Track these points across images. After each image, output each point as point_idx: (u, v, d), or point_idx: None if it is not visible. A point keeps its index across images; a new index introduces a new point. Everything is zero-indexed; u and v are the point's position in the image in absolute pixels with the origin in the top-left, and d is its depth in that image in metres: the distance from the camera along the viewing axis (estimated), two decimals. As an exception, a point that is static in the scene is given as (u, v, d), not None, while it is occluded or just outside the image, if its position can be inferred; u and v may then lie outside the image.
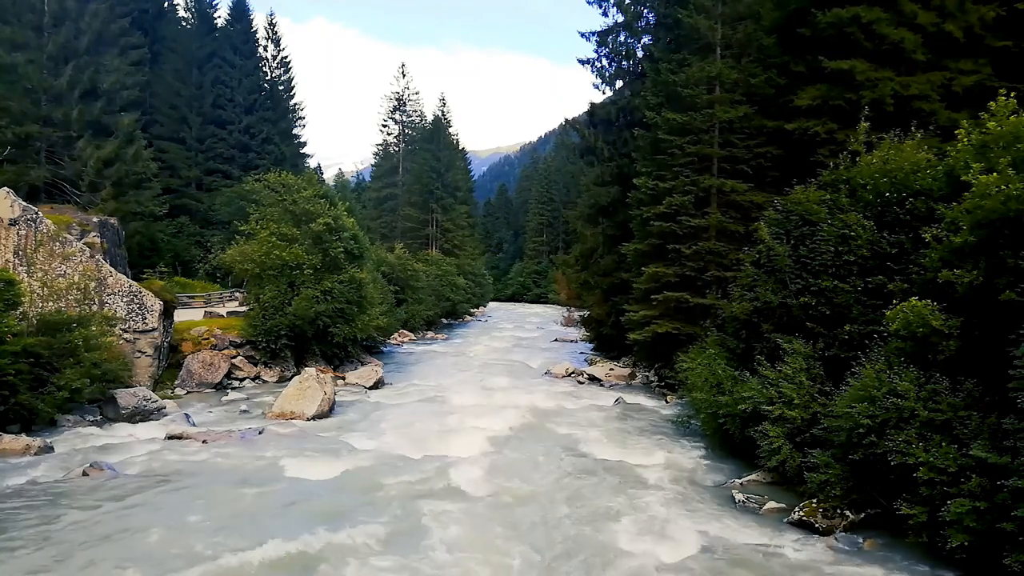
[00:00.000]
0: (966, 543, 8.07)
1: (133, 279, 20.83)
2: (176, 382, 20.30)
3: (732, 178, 20.27)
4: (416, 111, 71.92)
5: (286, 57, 50.92)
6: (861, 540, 9.54)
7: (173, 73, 43.31)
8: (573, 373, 25.87)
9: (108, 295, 18.79)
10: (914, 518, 8.81)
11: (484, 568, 8.57)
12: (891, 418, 9.27)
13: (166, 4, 47.61)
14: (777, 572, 8.65)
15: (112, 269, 19.40)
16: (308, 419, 16.65)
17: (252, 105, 46.11)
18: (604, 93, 30.95)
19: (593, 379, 24.85)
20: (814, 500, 10.28)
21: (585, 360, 29.77)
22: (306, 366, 21.89)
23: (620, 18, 29.13)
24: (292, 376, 20.62)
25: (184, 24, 47.12)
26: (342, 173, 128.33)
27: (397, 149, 71.53)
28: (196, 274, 38.95)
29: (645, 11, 28.60)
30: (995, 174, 9.03)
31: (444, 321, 52.72)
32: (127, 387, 16.92)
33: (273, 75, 50.01)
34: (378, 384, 22.55)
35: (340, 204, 26.75)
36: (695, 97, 20.60)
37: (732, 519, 10.42)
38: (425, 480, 12.00)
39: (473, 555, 8.89)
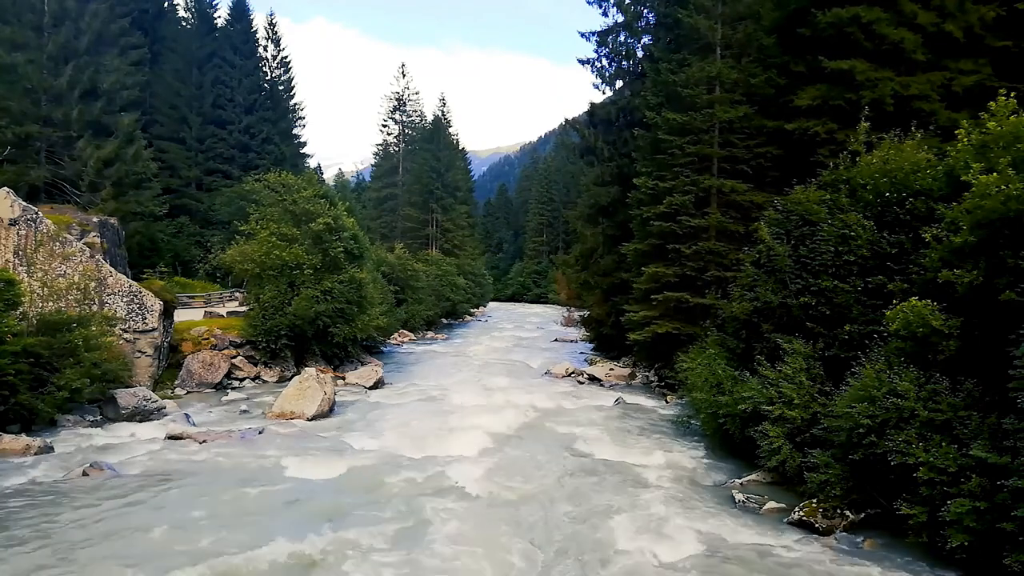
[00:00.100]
0: (966, 543, 8.08)
1: (133, 279, 20.83)
2: (176, 382, 20.30)
3: (732, 178, 20.27)
4: (416, 111, 71.98)
5: (286, 57, 50.97)
6: (861, 540, 9.54)
7: (173, 73, 43.31)
8: (573, 373, 25.87)
9: (108, 295, 18.79)
10: (914, 518, 8.82)
11: (485, 566, 8.58)
12: (891, 418, 9.28)
13: (166, 4, 47.61)
14: (777, 572, 8.65)
15: (112, 269, 19.40)
16: (308, 419, 16.64)
17: (252, 105, 46.11)
18: (604, 93, 31.01)
19: (593, 379, 24.85)
20: (814, 500, 10.28)
21: (585, 360, 29.77)
22: (306, 366, 21.89)
23: (620, 18, 29.15)
24: (292, 376, 20.62)
25: (184, 24, 47.11)
26: (342, 173, 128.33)
27: (397, 149, 71.53)
28: (196, 274, 38.94)
29: (645, 11, 28.62)
30: (995, 174, 9.03)
31: (444, 321, 52.72)
32: (127, 387, 16.93)
33: (273, 75, 50.01)
34: (378, 384, 22.56)
35: (340, 204, 26.75)
36: (695, 97, 20.60)
37: (732, 519, 10.42)
38: (426, 479, 12.01)
39: (474, 553, 8.90)
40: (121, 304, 18.89)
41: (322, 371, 20.15)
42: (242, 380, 21.82)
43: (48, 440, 13.34)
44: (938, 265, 9.88)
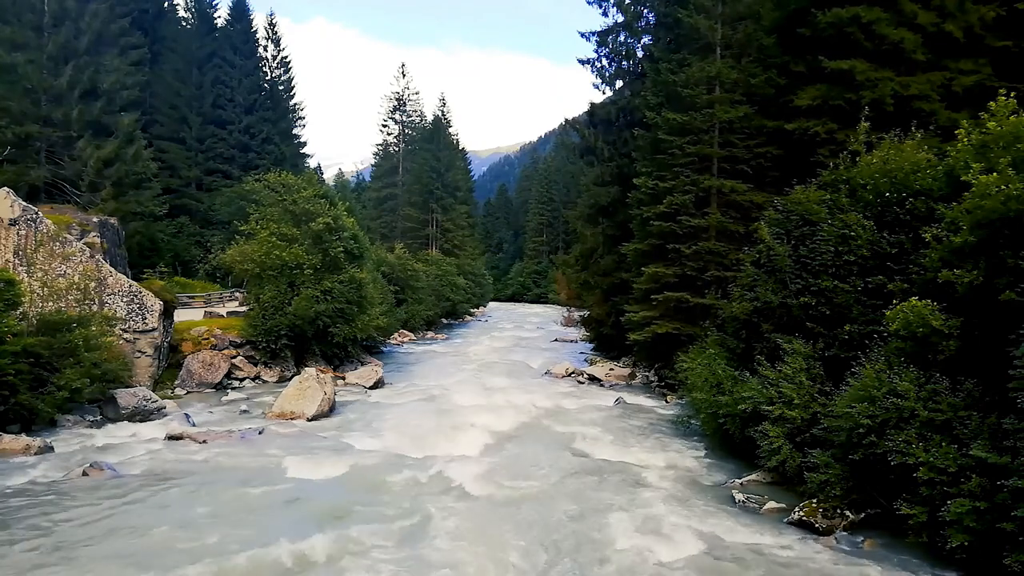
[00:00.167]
0: (966, 543, 8.08)
1: (133, 279, 20.83)
2: (176, 382, 20.30)
3: (732, 178, 20.27)
4: (416, 111, 71.99)
5: (286, 57, 50.97)
6: (861, 540, 9.54)
7: (173, 73, 43.31)
8: (573, 373, 25.87)
9: (108, 295, 18.79)
10: (914, 518, 8.82)
11: (486, 564, 8.58)
12: (891, 418, 9.28)
13: (166, 4, 47.61)
14: (777, 572, 8.64)
15: (112, 269, 19.40)
16: (308, 419, 16.64)
17: (252, 105, 46.11)
18: (604, 93, 31.02)
19: (593, 379, 24.85)
20: (814, 500, 10.28)
21: (585, 360, 29.77)
22: (306, 366, 21.90)
23: (620, 18, 29.16)
24: (292, 376, 20.62)
25: (184, 24, 47.12)
26: (342, 173, 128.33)
27: (397, 149, 71.54)
28: (196, 274, 38.94)
29: (645, 11, 28.62)
30: (995, 174, 9.03)
31: (444, 321, 52.73)
32: (127, 387, 16.92)
33: (273, 75, 50.01)
34: (378, 384, 22.55)
35: (340, 204, 26.75)
36: (695, 97, 20.60)
37: (732, 519, 10.42)
38: (426, 479, 12.02)
39: (475, 552, 8.90)
40: (121, 304, 18.89)
41: (322, 371, 20.15)
42: (242, 380, 21.82)
43: (48, 440, 13.34)
44: (938, 265, 9.88)
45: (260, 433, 15.03)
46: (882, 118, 14.95)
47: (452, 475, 12.19)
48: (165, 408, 16.75)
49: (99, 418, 15.80)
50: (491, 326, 55.43)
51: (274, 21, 50.71)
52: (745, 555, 9.09)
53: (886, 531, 9.61)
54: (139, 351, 18.97)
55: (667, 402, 20.25)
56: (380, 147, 73.28)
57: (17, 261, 17.54)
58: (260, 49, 49.19)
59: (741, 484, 12.10)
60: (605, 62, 29.74)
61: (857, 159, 13.38)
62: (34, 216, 18.01)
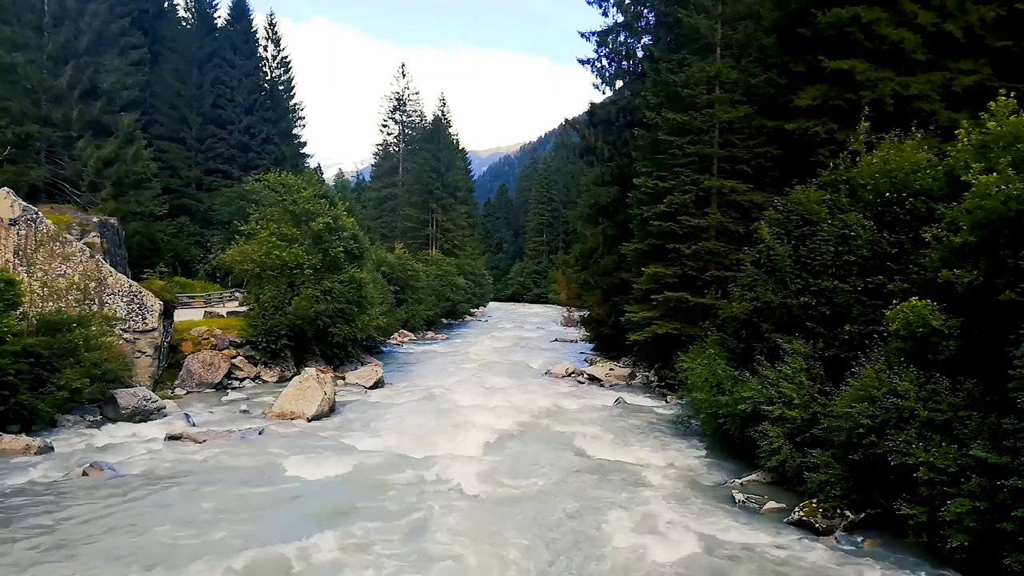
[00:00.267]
0: (966, 543, 8.08)
1: (133, 279, 20.83)
2: (176, 382, 20.30)
3: (732, 178, 20.27)
4: (416, 111, 72.01)
5: (286, 57, 50.98)
6: (861, 540, 9.54)
7: (173, 73, 43.31)
8: (573, 373, 25.87)
9: (108, 295, 18.79)
10: (914, 518, 8.83)
11: (486, 562, 8.59)
12: (891, 418, 9.28)
13: (166, 4, 47.61)
14: (777, 572, 8.64)
15: (112, 269, 19.40)
16: (308, 419, 16.64)
17: (252, 105, 46.11)
18: (604, 93, 31.04)
19: (593, 379, 24.85)
20: (814, 500, 10.28)
21: (585, 360, 29.77)
22: (306, 366, 21.90)
23: (620, 18, 29.17)
24: (292, 376, 20.62)
25: (184, 24, 47.12)
26: (342, 173, 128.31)
27: (397, 149, 71.54)
28: (196, 274, 38.94)
29: (645, 11, 28.63)
30: (995, 174, 9.03)
31: (444, 321, 52.73)
32: (127, 387, 16.93)
33: (273, 75, 50.01)
34: (378, 384, 22.55)
35: (340, 204, 26.76)
36: (695, 97, 20.60)
37: (732, 519, 10.42)
38: (427, 478, 12.02)
39: (475, 550, 8.90)
40: (121, 304, 18.89)
41: (322, 371, 20.15)
42: (242, 380, 21.82)
43: (48, 440, 13.34)
44: (938, 265, 9.89)
45: (260, 433, 15.03)
46: (882, 118, 14.95)
47: (453, 474, 12.18)
48: (165, 408, 16.75)
49: (99, 418, 15.80)
50: (491, 326, 55.43)
51: (274, 21, 50.80)
52: (745, 555, 9.09)
53: (886, 531, 9.61)
54: (139, 351, 18.97)
55: (667, 402, 20.25)
56: (380, 147, 73.31)
57: (17, 261, 17.54)
58: (260, 49, 49.20)
59: (741, 484, 12.10)
60: (605, 62, 29.77)
61: (857, 159, 13.38)
62: (34, 216, 18.02)
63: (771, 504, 10.90)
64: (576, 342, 39.10)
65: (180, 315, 23.36)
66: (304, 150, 53.59)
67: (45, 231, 18.07)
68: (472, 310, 64.39)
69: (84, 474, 11.48)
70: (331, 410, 17.58)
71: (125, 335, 18.71)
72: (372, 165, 79.83)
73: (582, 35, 29.90)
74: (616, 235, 26.95)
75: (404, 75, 71.20)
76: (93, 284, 18.32)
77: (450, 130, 71.83)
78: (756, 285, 13.74)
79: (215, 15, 48.32)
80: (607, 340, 30.40)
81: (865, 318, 11.44)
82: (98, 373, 15.60)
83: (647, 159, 22.44)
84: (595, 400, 20.63)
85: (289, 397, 17.34)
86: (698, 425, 15.59)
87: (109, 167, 28.16)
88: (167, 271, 31.49)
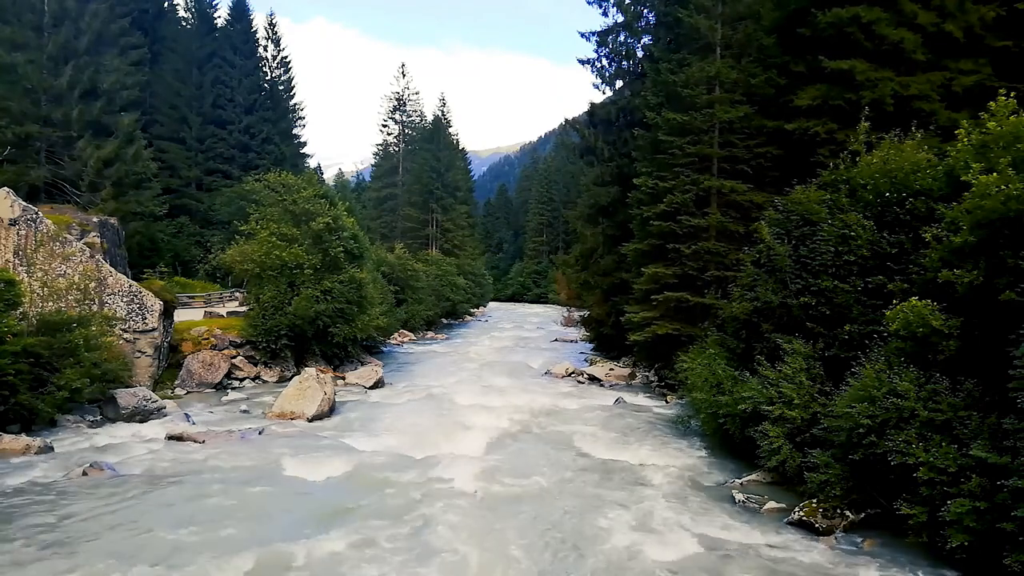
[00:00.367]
0: (966, 543, 8.08)
1: (133, 279, 20.83)
2: (176, 382, 20.30)
3: (732, 178, 20.26)
4: (416, 111, 72.02)
5: (286, 57, 50.99)
6: (861, 540, 9.55)
7: (173, 73, 43.32)
8: (573, 373, 25.88)
9: (108, 295, 18.79)
10: (914, 518, 8.83)
11: (487, 561, 8.59)
12: (891, 418, 9.28)
13: (166, 4, 47.63)
14: (777, 572, 8.64)
15: (112, 269, 19.40)
16: (308, 419, 16.64)
17: (252, 105, 46.12)
18: (604, 93, 31.03)
19: (593, 379, 24.85)
20: (814, 500, 10.28)
21: (585, 360, 29.77)
22: (306, 366, 21.90)
23: (620, 18, 29.17)
24: (292, 376, 20.62)
25: (184, 24, 47.13)
26: (342, 173, 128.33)
27: (397, 149, 71.55)
28: (196, 274, 38.95)
29: (645, 11, 28.63)
30: (995, 174, 9.04)
31: (444, 321, 52.73)
32: (127, 387, 16.92)
33: (273, 75, 50.02)
34: (378, 384, 22.55)
35: (340, 204, 26.76)
36: (695, 97, 20.59)
37: (732, 518, 10.42)
38: (427, 478, 12.01)
39: (476, 549, 8.91)
40: (121, 304, 18.89)
41: (322, 371, 20.16)
42: (242, 380, 21.82)
43: (48, 440, 13.34)
44: (938, 265, 9.89)
45: (260, 433, 15.03)
46: (882, 118, 14.95)
47: (453, 474, 12.18)
48: (165, 408, 16.75)
49: (99, 418, 15.80)
50: (491, 326, 55.43)
51: (274, 21, 50.81)
52: (745, 555, 9.09)
53: (886, 531, 9.61)
54: (139, 351, 18.97)
55: (667, 402, 20.25)
56: (380, 147, 73.32)
57: (17, 261, 17.54)
58: (260, 49, 49.21)
59: (741, 484, 12.10)
60: (605, 62, 29.77)
61: (857, 159, 13.38)
62: (34, 216, 18.02)
63: (771, 504, 10.91)
64: (576, 342, 39.11)
65: (180, 315, 23.36)
66: (304, 150, 53.63)
67: (45, 231, 18.07)
68: (472, 310, 64.40)
69: (84, 474, 11.48)
70: (331, 410, 17.58)
71: (125, 335, 18.71)
72: (372, 165, 79.84)
73: (582, 35, 29.94)
74: (616, 235, 26.95)
75: (404, 75, 71.29)
76: (93, 284, 18.32)
77: (450, 130, 71.89)
78: (756, 285, 13.74)
79: (215, 15, 48.36)
80: (607, 340, 30.40)
81: (865, 318, 11.44)
82: (98, 373, 15.60)
83: (647, 159, 22.43)
84: (595, 400, 20.63)
85: (289, 397, 17.34)
86: (698, 425, 15.59)
87: (109, 167, 28.16)
88: (167, 271, 31.49)
